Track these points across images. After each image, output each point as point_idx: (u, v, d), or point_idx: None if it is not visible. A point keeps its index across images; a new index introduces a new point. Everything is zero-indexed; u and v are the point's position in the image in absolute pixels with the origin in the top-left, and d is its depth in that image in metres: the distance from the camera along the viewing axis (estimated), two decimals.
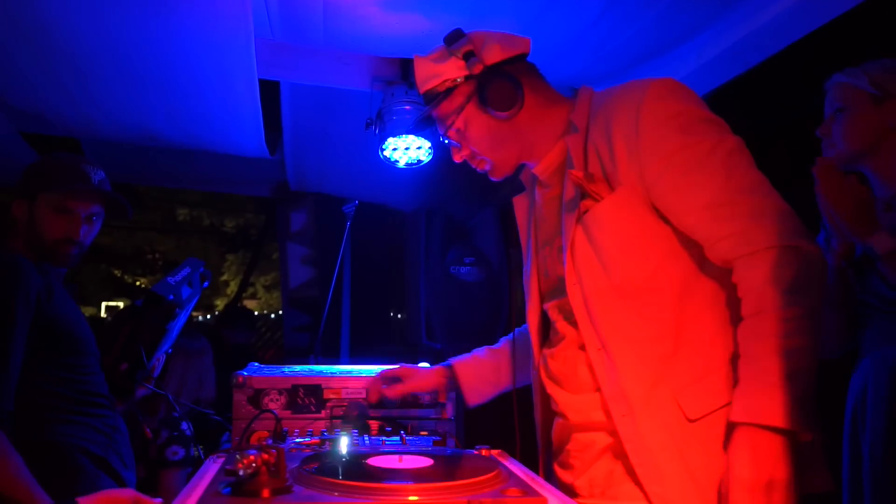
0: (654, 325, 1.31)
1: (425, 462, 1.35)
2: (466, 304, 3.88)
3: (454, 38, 1.48)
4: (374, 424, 1.78)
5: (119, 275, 13.85)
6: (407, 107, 2.74)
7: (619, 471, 1.34)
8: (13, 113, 3.05)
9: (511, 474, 1.29)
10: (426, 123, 1.57)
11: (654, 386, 1.29)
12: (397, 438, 1.65)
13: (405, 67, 2.80)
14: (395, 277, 5.98)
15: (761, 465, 1.13)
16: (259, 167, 4.30)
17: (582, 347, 1.38)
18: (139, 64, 2.49)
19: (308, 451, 1.46)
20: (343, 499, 1.08)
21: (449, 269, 4.01)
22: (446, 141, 1.56)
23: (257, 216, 11.80)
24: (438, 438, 1.67)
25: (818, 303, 1.19)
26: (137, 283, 14.11)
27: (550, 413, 1.55)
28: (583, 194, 1.36)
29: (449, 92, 1.47)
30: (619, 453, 1.32)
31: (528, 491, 1.15)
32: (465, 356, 1.83)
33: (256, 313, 12.90)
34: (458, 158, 1.55)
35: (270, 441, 1.59)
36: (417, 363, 2.05)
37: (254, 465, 1.09)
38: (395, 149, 2.85)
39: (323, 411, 1.80)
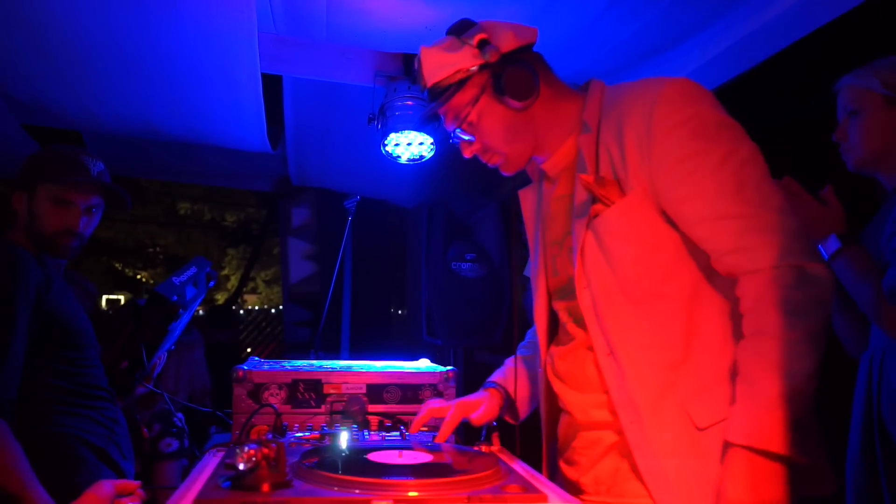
0: (663, 331, 1.29)
1: (425, 458, 1.35)
2: (467, 300, 3.88)
3: (465, 27, 1.44)
4: (373, 420, 1.78)
5: (120, 268, 13.84)
6: (409, 102, 2.73)
7: (624, 468, 1.34)
8: (15, 104, 3.05)
9: (511, 471, 1.29)
10: (432, 119, 1.51)
11: (663, 393, 1.27)
12: (397, 434, 1.66)
13: (408, 63, 2.79)
14: (396, 273, 5.98)
15: (754, 487, 1.12)
16: (261, 162, 4.30)
17: (591, 349, 1.37)
18: (141, 57, 2.49)
19: (308, 446, 1.46)
20: (343, 493, 1.08)
21: (450, 265, 4.00)
22: (456, 136, 1.49)
23: (258, 211, 11.80)
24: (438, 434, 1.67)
25: (820, 325, 1.17)
26: (138, 277, 14.12)
27: (556, 410, 1.54)
28: (593, 198, 1.34)
29: (462, 83, 1.41)
30: (626, 451, 1.32)
31: (528, 487, 1.15)
32: (505, 371, 1.72)
33: (257, 308, 12.92)
34: (468, 154, 1.50)
35: (270, 435, 1.59)
36: (417, 359, 2.05)
37: (253, 459, 1.09)
38: (396, 144, 2.84)
39: (323, 406, 1.80)
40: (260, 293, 14.61)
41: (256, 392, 1.79)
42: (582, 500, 1.40)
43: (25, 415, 1.75)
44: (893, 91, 1.72)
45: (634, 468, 1.30)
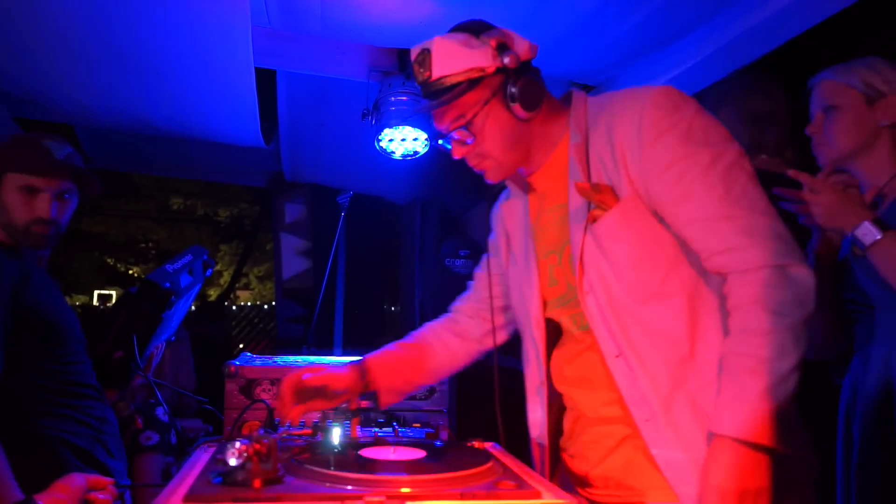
0: (670, 328, 1.31)
1: (418, 454, 1.35)
2: (461, 296, 3.87)
3: (483, 27, 1.42)
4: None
5: (112, 263, 13.78)
6: (404, 98, 2.72)
7: (638, 461, 1.35)
8: (7, 98, 3.02)
9: (504, 467, 1.28)
10: (429, 113, 1.46)
11: (675, 388, 1.30)
12: (390, 430, 1.65)
13: (402, 58, 2.78)
14: (389, 269, 5.97)
15: (736, 476, 1.16)
16: (254, 157, 4.29)
17: (598, 350, 1.38)
18: (134, 50, 2.47)
19: (300, 442, 1.45)
20: (335, 490, 1.07)
21: (444, 261, 4.00)
22: (449, 135, 1.45)
23: (251, 207, 11.75)
24: (431, 430, 1.66)
25: (803, 323, 1.21)
26: (130, 272, 14.06)
27: (559, 408, 1.54)
28: (590, 204, 1.36)
29: (475, 82, 1.38)
30: (639, 444, 1.33)
31: (521, 484, 1.15)
32: (380, 353, 1.68)
33: (249, 304, 12.89)
34: (459, 155, 1.47)
35: (262, 431, 1.58)
36: None
37: (245, 455, 1.08)
38: (391, 140, 2.84)
39: None
40: (252, 289, 14.56)
41: (248, 388, 1.79)
42: (589, 493, 1.41)
43: (8, 415, 1.70)
44: (872, 90, 1.72)
45: (651, 460, 1.31)
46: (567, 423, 1.52)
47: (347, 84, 2.88)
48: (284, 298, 5.60)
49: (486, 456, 1.33)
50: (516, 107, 1.39)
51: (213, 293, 13.21)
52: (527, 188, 1.57)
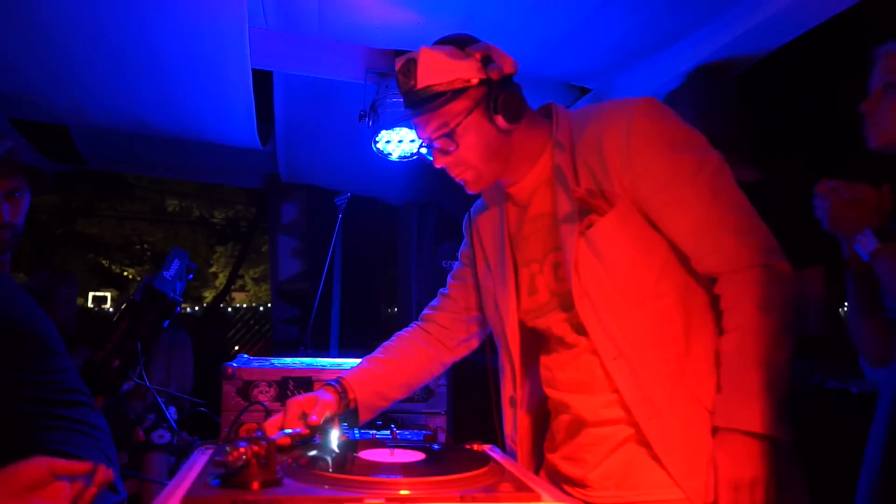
0: (666, 327, 1.36)
1: (417, 456, 1.34)
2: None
3: (468, 40, 1.45)
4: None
5: (107, 265, 13.74)
6: (401, 99, 2.71)
7: (641, 460, 1.35)
8: (1, 98, 3.01)
9: (503, 470, 1.28)
10: (412, 120, 1.48)
11: (675, 385, 1.34)
12: (387, 432, 1.64)
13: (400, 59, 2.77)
14: (386, 271, 5.96)
15: (747, 466, 1.23)
16: (251, 158, 4.27)
17: (595, 353, 1.39)
18: (130, 50, 2.46)
19: (298, 442, 1.44)
20: (333, 492, 1.07)
21: (441, 262, 3.99)
22: (431, 144, 1.47)
23: (247, 208, 11.75)
24: (429, 433, 1.66)
25: (792, 318, 1.29)
26: (125, 274, 14.03)
27: (546, 412, 1.55)
28: (585, 210, 1.39)
29: (459, 92, 1.40)
30: (643, 443, 1.35)
31: (520, 486, 1.14)
32: (356, 371, 1.66)
33: (245, 305, 12.86)
34: (440, 164, 1.50)
35: (260, 433, 1.57)
36: None
37: (243, 457, 1.08)
38: (388, 141, 2.83)
39: None
40: (248, 291, 14.53)
41: (246, 389, 1.78)
42: (586, 495, 1.42)
43: (3, 434, 1.49)
44: None
45: (655, 458, 1.33)
46: (558, 427, 1.52)
47: (344, 85, 2.87)
48: (280, 300, 5.59)
49: (485, 458, 1.33)
50: (498, 118, 1.42)
51: (208, 295, 13.18)
52: (504, 198, 1.59)
